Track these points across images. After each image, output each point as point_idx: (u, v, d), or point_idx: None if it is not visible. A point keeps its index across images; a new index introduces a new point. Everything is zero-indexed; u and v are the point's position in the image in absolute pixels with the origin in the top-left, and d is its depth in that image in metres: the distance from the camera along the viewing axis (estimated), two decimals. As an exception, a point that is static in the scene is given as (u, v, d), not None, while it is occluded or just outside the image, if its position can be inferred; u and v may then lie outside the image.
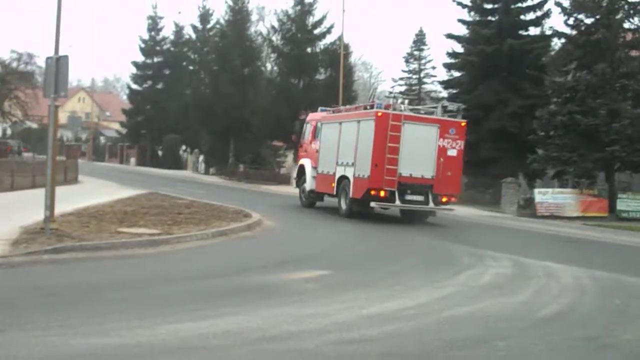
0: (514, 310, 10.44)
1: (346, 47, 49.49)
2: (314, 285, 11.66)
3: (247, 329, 8.33)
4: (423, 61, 58.19)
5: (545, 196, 33.88)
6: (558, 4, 35.81)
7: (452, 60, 44.33)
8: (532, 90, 38.37)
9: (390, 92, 61.10)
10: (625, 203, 32.94)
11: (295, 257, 15.09)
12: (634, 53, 34.62)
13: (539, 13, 41.92)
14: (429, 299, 10.91)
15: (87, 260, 12.82)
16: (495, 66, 40.35)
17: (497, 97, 39.68)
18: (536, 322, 9.72)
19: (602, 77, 32.93)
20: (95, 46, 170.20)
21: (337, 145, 25.92)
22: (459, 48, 44.07)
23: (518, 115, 38.64)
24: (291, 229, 21.05)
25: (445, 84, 46.65)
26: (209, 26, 67.08)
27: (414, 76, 58.66)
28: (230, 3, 57.29)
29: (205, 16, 67.46)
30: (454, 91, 45.07)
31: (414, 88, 58.48)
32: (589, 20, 34.99)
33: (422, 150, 23.60)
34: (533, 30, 42.79)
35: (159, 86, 72.17)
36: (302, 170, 29.54)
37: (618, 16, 34.41)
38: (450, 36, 43.88)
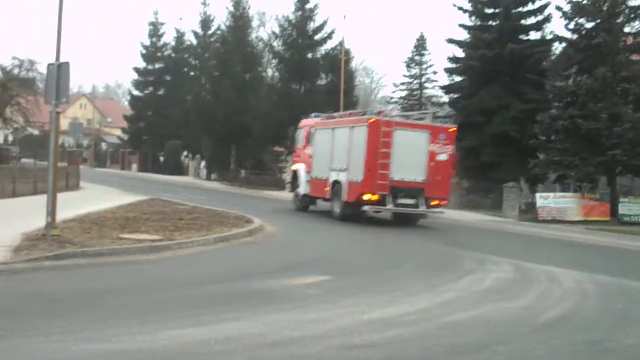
0: (516, 315, 10.43)
1: (347, 52, 49.58)
2: (315, 290, 11.65)
3: (249, 334, 8.33)
4: (424, 66, 58.20)
5: (547, 200, 33.86)
6: (559, 8, 35.94)
7: (453, 65, 44.33)
8: (533, 94, 38.41)
9: (391, 97, 61.20)
10: (627, 207, 32.94)
11: (296, 263, 15.08)
12: (634, 57, 34.64)
13: (539, 17, 42.02)
14: (430, 304, 10.90)
15: (88, 266, 12.81)
16: (496, 71, 40.39)
17: (498, 102, 39.70)
18: (538, 326, 9.71)
19: (603, 81, 32.95)
20: (96, 52, 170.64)
21: (330, 150, 26.50)
22: (460, 53, 44.14)
23: (519, 120, 38.65)
24: (292, 234, 21.05)
25: (447, 89, 46.65)
26: (210, 32, 67.16)
27: (415, 81, 58.67)
28: (231, 9, 57.43)
29: (206, 22, 67.55)
30: (455, 96, 45.15)
31: (415, 93, 58.48)
32: (589, 25, 35.03)
33: (413, 155, 24.21)
34: (534, 35, 42.91)
35: (160, 92, 72.27)
36: (295, 175, 30.13)
37: (619, 20, 34.46)
38: (451, 41, 43.92)
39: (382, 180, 23.88)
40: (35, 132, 75.06)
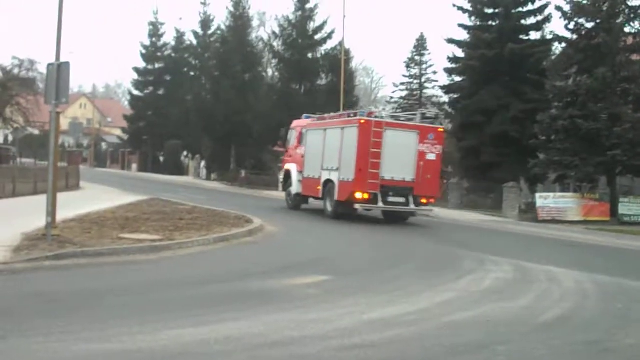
0: (515, 315, 10.44)
1: (347, 52, 49.57)
2: (315, 290, 11.66)
3: (249, 334, 8.33)
4: (424, 66, 58.20)
5: (547, 200, 33.86)
6: (559, 9, 35.93)
7: (453, 65, 44.32)
8: (533, 94, 38.41)
9: (391, 97, 61.18)
10: (627, 207, 32.94)
11: (296, 263, 15.09)
12: (634, 57, 34.63)
13: (539, 17, 42.01)
14: (430, 304, 10.91)
15: (88, 266, 12.81)
16: (496, 71, 40.39)
17: (498, 102, 39.70)
18: (538, 326, 9.72)
19: (603, 81, 32.94)
20: (96, 52, 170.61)
21: (322, 150, 27.21)
22: (460, 53, 44.12)
23: (519, 120, 38.65)
24: (292, 234, 21.04)
25: (447, 89, 46.65)
26: (210, 32, 67.14)
27: (415, 81, 58.67)
28: (231, 9, 57.39)
29: (206, 22, 67.53)
30: (455, 96, 45.14)
31: (415, 93, 58.47)
32: (589, 25, 35.02)
33: (403, 155, 24.93)
34: (534, 35, 42.94)
35: (160, 92, 72.24)
36: (288, 174, 30.81)
37: (619, 20, 34.45)
38: (451, 41, 43.91)
39: (373, 179, 24.57)
40: (36, 132, 75.05)
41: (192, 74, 69.10)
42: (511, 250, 19.77)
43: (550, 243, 24.25)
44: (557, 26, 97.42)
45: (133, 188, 37.53)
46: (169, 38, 73.14)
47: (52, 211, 14.53)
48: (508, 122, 39.20)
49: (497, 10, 42.30)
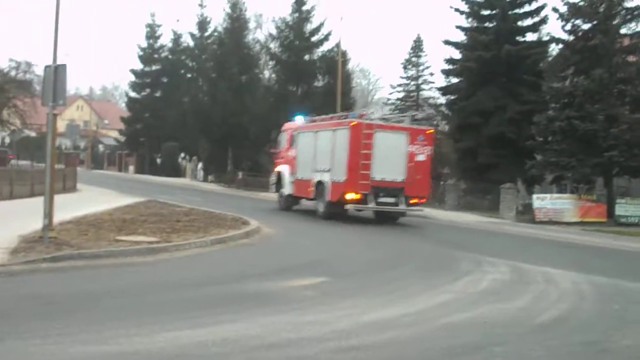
0: (512, 316, 10.45)
1: (344, 54, 49.64)
2: (312, 292, 11.67)
3: (246, 336, 8.33)
4: (421, 67, 58.24)
5: (544, 202, 33.85)
6: (555, 10, 35.91)
7: (450, 67, 44.30)
8: (530, 95, 38.39)
9: (388, 99, 61.20)
10: (624, 208, 32.90)
11: (293, 264, 15.09)
12: (631, 58, 34.63)
13: (536, 19, 42.00)
14: (427, 305, 10.92)
15: (85, 268, 12.82)
16: (493, 72, 40.39)
17: (495, 103, 39.71)
18: (535, 327, 9.73)
19: (599, 82, 32.94)
20: (93, 54, 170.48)
21: (313, 152, 27.90)
22: (456, 54, 44.12)
23: (516, 121, 38.64)
24: (289, 236, 21.04)
25: (444, 90, 46.65)
26: (207, 34, 67.16)
27: (412, 83, 58.70)
28: (229, 11, 57.40)
29: (203, 24, 67.54)
30: (452, 97, 45.13)
31: (412, 94, 58.50)
32: (586, 26, 35.03)
33: (393, 156, 25.46)
34: (530, 36, 42.87)
35: (158, 94, 72.15)
36: (279, 176, 31.31)
37: (615, 22, 34.45)
38: (448, 42, 43.88)
39: (364, 180, 25.12)
40: (32, 134, 75.03)
41: (189, 75, 69.04)
42: (508, 252, 19.77)
43: (547, 244, 24.27)
44: (554, 27, 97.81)
45: (130, 190, 37.51)
46: (166, 40, 73.21)
47: (49, 213, 14.52)
48: (505, 123, 39.20)
49: (493, 12, 42.30)
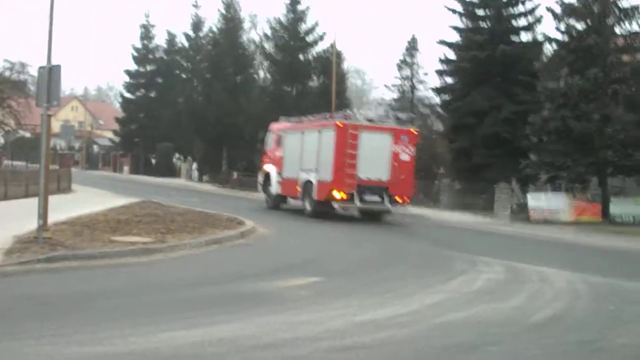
0: (507, 316, 10.47)
1: (339, 54, 49.57)
2: (307, 292, 11.68)
3: (241, 336, 8.34)
4: (416, 67, 58.11)
5: (539, 201, 33.87)
6: (549, 10, 35.95)
7: (445, 67, 44.25)
8: (524, 95, 38.40)
9: (383, 99, 61.12)
10: (618, 208, 32.91)
11: (288, 264, 15.10)
12: (625, 58, 34.68)
13: (530, 19, 41.94)
14: (421, 305, 10.93)
15: (80, 269, 12.81)
16: (487, 72, 40.37)
17: (490, 103, 39.68)
18: (529, 327, 9.74)
19: (594, 82, 32.97)
20: (88, 55, 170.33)
21: (300, 152, 28.64)
22: (451, 54, 44.03)
23: (511, 121, 38.61)
24: (284, 236, 21.05)
25: (438, 90, 46.55)
26: (201, 34, 67.02)
27: (407, 82, 58.57)
28: (223, 11, 57.41)
29: (197, 24, 67.44)
30: (447, 97, 45.11)
31: (406, 94, 58.43)
32: (580, 26, 35.05)
33: (378, 156, 26.15)
34: (525, 36, 42.79)
35: (152, 94, 72.03)
36: (267, 176, 31.98)
37: (609, 21, 34.50)
38: (442, 42, 43.83)
39: (350, 179, 25.86)
40: (27, 134, 74.86)
41: (183, 76, 68.97)
42: (503, 251, 19.78)
43: (541, 244, 24.31)
44: (549, 27, 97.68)
45: (125, 190, 37.45)
46: (160, 40, 73.00)
47: (43, 214, 14.51)
48: (500, 123, 39.17)
49: (488, 12, 42.28)
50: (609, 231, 29.32)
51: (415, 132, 27.96)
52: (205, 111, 55.34)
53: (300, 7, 52.05)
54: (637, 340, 9.68)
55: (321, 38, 51.99)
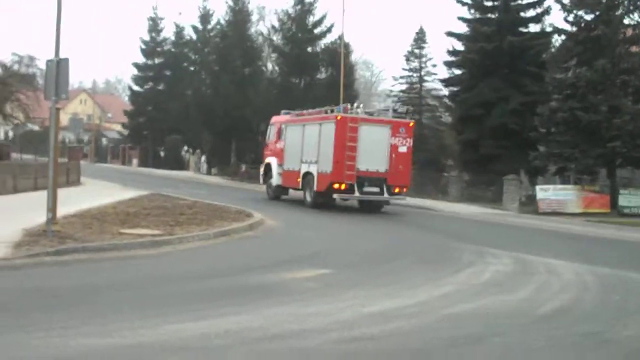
0: (515, 307, 10.47)
1: (347, 46, 49.46)
2: (315, 284, 11.69)
3: (249, 328, 8.36)
4: (424, 59, 57.90)
5: (547, 193, 33.82)
6: (558, 1, 35.82)
7: (453, 58, 44.21)
8: (532, 87, 38.35)
9: (391, 91, 61.03)
10: (627, 199, 32.87)
11: (296, 256, 15.11)
12: (634, 49, 34.56)
13: (538, 10, 41.86)
14: (429, 296, 10.94)
15: (89, 261, 12.85)
16: (495, 63, 40.31)
17: (497, 95, 39.63)
18: (537, 318, 9.75)
19: (602, 73, 32.88)
20: (96, 48, 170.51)
21: (301, 144, 29.26)
22: (459, 46, 43.99)
23: (519, 112, 38.55)
24: (292, 228, 21.06)
25: (446, 82, 46.55)
26: (209, 27, 66.91)
27: (415, 74, 58.38)
28: (231, 3, 57.32)
29: (205, 17, 67.36)
30: (455, 89, 45.07)
31: (414, 86, 58.33)
32: (588, 17, 34.94)
33: (376, 148, 26.83)
34: (533, 27, 42.73)
35: (160, 87, 72.08)
36: (268, 167, 32.62)
37: (618, 12, 34.35)
38: (450, 34, 43.80)
39: (350, 170, 26.51)
40: (36, 127, 75.08)
41: (191, 68, 68.94)
42: (511, 243, 19.79)
43: (550, 235, 24.26)
44: (557, 18, 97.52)
45: (133, 183, 37.51)
46: (168, 33, 72.99)
47: (52, 207, 14.56)
48: (507, 114, 39.11)
49: (496, 3, 42.16)
50: (617, 222, 29.28)
51: (412, 125, 28.60)
52: (213, 103, 55.34)
53: (308, 0, 51.96)
54: (644, 332, 9.67)
55: (329, 30, 51.89)
